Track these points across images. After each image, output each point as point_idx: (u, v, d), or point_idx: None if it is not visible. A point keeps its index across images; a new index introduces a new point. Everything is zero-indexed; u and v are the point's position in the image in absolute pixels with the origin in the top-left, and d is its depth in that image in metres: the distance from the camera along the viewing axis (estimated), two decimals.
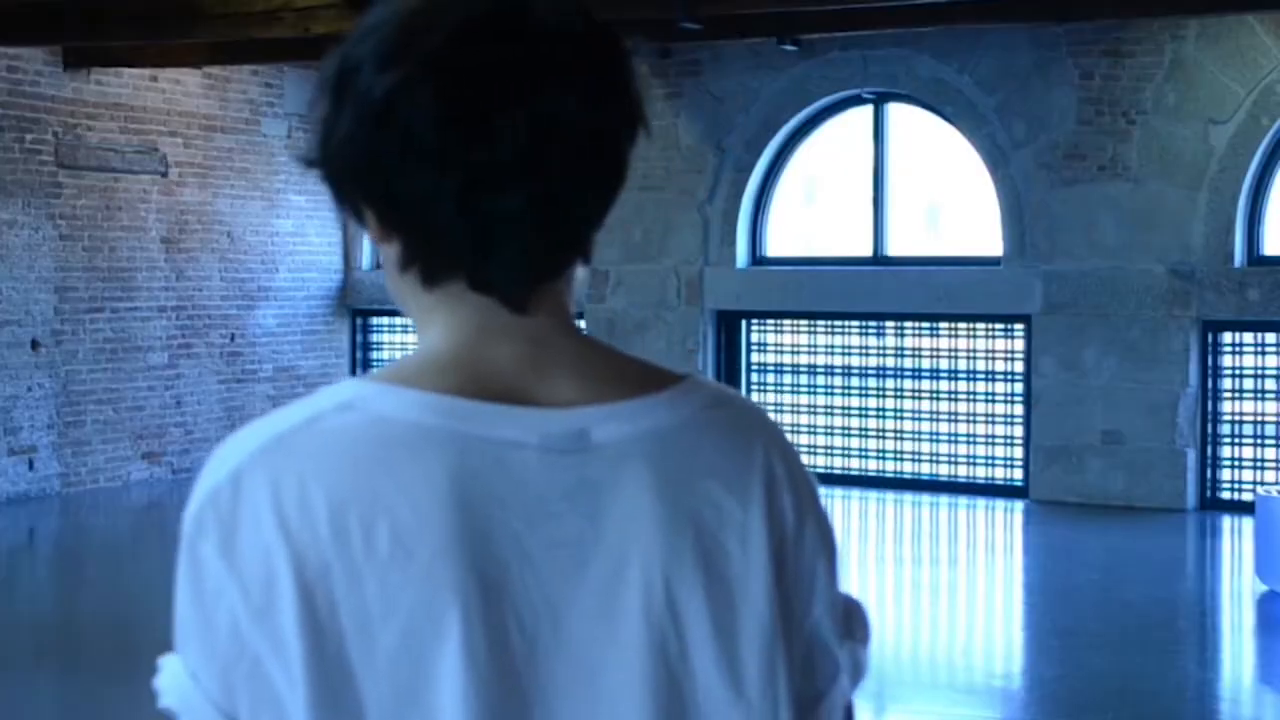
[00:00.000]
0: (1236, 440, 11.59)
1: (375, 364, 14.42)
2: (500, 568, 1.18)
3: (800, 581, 1.28)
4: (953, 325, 12.46)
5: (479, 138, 1.18)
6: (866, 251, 12.77)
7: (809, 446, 13.00)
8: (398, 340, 14.50)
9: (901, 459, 12.66)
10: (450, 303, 1.24)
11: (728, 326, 13.20)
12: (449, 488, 1.17)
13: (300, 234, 14.02)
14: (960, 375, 12.50)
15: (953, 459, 12.49)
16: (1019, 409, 12.20)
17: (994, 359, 12.41)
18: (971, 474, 12.45)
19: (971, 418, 12.43)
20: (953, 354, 12.53)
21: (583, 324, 13.42)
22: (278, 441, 1.19)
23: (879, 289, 12.51)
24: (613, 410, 1.23)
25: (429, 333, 1.26)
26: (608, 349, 1.29)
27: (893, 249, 12.71)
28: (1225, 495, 11.57)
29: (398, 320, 14.53)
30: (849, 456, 12.86)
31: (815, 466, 12.91)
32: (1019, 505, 11.88)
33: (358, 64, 1.21)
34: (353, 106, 1.21)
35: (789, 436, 1.34)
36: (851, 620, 1.33)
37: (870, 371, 12.81)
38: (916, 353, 12.66)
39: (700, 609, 1.22)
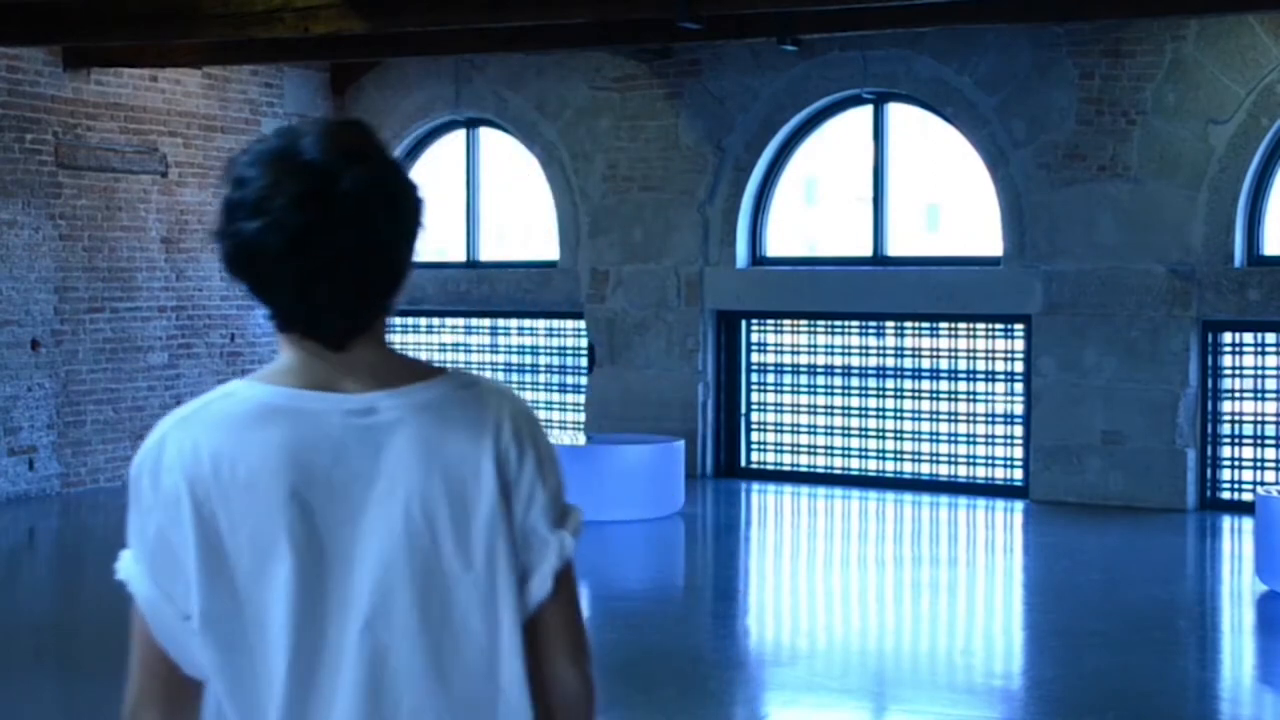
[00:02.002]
0: (1236, 440, 11.58)
1: None
2: (314, 489, 1.97)
3: (520, 496, 2.04)
4: (953, 325, 12.46)
5: (303, 257, 1.94)
6: (866, 251, 12.76)
7: (809, 446, 13.01)
8: (396, 340, 14.50)
9: (901, 459, 12.66)
10: (294, 338, 2.02)
11: (728, 326, 13.19)
12: (281, 444, 1.97)
13: None
14: (960, 375, 12.50)
15: (953, 459, 12.49)
16: (1019, 409, 12.20)
17: (994, 359, 12.40)
18: (971, 474, 12.44)
19: (971, 418, 12.43)
20: (953, 354, 12.52)
21: (582, 324, 13.44)
22: (185, 418, 2.01)
23: (879, 289, 12.51)
24: (391, 393, 2.01)
25: (283, 353, 2.03)
26: (397, 356, 2.06)
27: (893, 249, 12.70)
28: (1225, 495, 11.57)
29: (396, 320, 14.54)
30: (849, 456, 12.86)
31: (815, 466, 12.93)
32: (1019, 505, 11.88)
33: (239, 203, 1.97)
34: (233, 227, 1.97)
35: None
36: (567, 518, 2.07)
37: (870, 371, 12.81)
38: (916, 353, 12.65)
39: (445, 516, 1.99)
